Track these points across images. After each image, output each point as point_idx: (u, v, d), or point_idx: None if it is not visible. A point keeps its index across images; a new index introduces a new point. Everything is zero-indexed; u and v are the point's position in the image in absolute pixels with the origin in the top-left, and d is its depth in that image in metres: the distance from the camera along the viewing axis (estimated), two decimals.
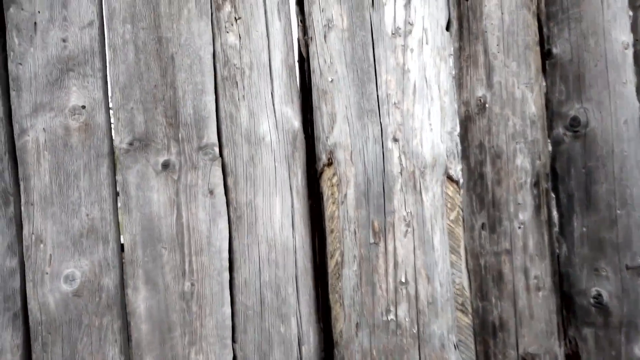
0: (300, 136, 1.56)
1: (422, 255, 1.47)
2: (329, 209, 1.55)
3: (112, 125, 1.47)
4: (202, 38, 1.47)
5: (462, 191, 1.56)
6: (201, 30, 1.47)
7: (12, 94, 1.42)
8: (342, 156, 1.50)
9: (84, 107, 1.44)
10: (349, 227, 1.50)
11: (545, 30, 1.60)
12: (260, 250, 1.50)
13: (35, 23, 1.42)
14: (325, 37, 1.51)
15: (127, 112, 1.46)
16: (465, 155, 1.58)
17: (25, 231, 1.43)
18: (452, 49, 1.56)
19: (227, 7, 1.48)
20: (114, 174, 1.47)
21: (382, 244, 1.47)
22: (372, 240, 1.48)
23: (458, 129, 1.54)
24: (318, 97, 1.55)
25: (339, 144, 1.51)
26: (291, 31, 1.54)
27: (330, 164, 1.53)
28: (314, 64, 1.55)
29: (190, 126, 1.48)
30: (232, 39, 1.48)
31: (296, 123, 1.54)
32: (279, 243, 1.51)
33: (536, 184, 1.57)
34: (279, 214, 1.51)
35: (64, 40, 1.44)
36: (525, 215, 1.55)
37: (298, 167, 1.54)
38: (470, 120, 1.58)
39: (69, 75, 1.44)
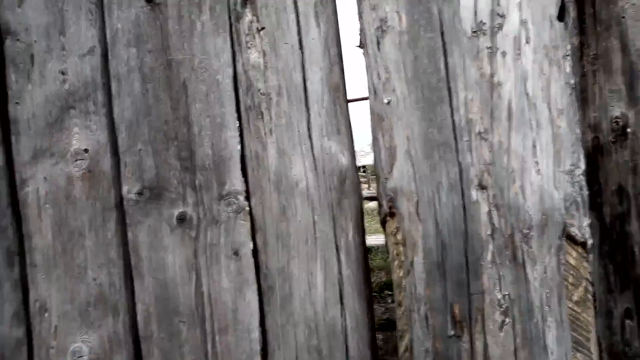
0: (353, 177, 1.16)
1: (528, 358, 0.99)
2: (396, 272, 1.13)
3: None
4: (220, 58, 1.14)
5: (591, 257, 1.04)
6: (218, 49, 1.15)
7: (10, 138, 1.21)
8: (405, 207, 1.08)
9: (86, 150, 1.20)
10: (418, 310, 1.07)
11: None
12: (298, 334, 1.13)
13: (32, 55, 1.20)
14: (378, 43, 1.10)
15: (134, 155, 1.18)
16: (595, 205, 1.06)
17: (30, 297, 1.22)
18: (569, 47, 1.04)
19: (248, 16, 1.13)
20: (124, 231, 1.20)
21: (466, 339, 1.02)
22: (451, 332, 1.04)
23: (583, 165, 1.02)
24: (374, 125, 1.14)
25: (401, 190, 1.08)
26: (337, 39, 1.15)
27: (392, 214, 1.11)
28: (368, 80, 1.14)
29: (209, 170, 1.17)
30: (254, 56, 1.13)
31: (344, 160, 1.15)
32: (322, 325, 1.13)
33: None
34: (320, 285, 1.13)
35: (62, 73, 1.20)
36: None
37: (348, 220, 1.15)
38: (602, 153, 1.05)
39: (69, 114, 1.20)
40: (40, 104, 1.20)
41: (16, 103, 1.21)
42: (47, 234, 1.21)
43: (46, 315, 1.21)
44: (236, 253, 1.16)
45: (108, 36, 1.19)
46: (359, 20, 1.16)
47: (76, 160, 1.20)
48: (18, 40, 1.20)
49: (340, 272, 1.14)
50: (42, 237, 1.21)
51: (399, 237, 1.09)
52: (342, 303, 1.14)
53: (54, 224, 1.21)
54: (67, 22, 1.20)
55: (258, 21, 1.13)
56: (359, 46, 1.18)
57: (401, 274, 1.10)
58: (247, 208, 1.15)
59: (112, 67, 1.19)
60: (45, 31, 1.20)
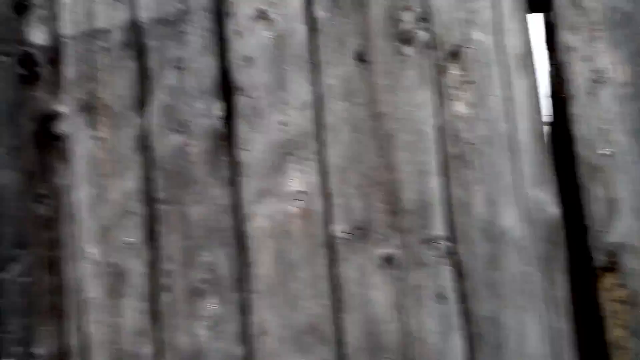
0: (560, 228, 1.14)
1: None
2: (615, 332, 1.08)
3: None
4: (424, 110, 1.21)
5: None
6: (422, 101, 1.21)
7: (238, 180, 1.40)
8: (633, 265, 1.04)
9: (302, 192, 1.34)
10: None
11: None
12: None
13: (257, 108, 1.38)
14: (593, 94, 1.07)
15: (344, 198, 1.30)
16: None
17: (250, 320, 1.40)
18: None
19: (454, 70, 1.18)
20: (334, 267, 1.32)
21: None
22: None
23: None
24: (585, 175, 1.10)
25: (627, 247, 1.04)
26: (536, 90, 1.14)
27: (611, 269, 1.07)
28: (576, 129, 1.11)
29: (412, 214, 1.23)
30: (460, 108, 1.17)
31: (554, 210, 1.13)
32: None
33: None
34: (534, 337, 1.12)
35: (282, 124, 1.36)
36: None
37: (559, 272, 1.12)
38: None
39: (288, 160, 1.35)
40: (264, 150, 1.37)
41: (244, 149, 1.40)
42: (268, 265, 1.37)
43: (265, 338, 1.37)
44: (441, 297, 1.20)
45: (322, 91, 1.32)
46: (565, 70, 1.14)
47: (294, 201, 1.35)
48: (247, 95, 1.39)
49: (554, 327, 1.12)
50: (264, 267, 1.38)
51: (619, 294, 1.04)
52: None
53: (274, 256, 1.37)
54: (287, 79, 1.36)
55: (465, 74, 1.17)
56: (561, 96, 1.16)
57: (621, 334, 1.05)
58: (452, 253, 1.19)
59: (326, 118, 1.32)
60: (269, 87, 1.37)
